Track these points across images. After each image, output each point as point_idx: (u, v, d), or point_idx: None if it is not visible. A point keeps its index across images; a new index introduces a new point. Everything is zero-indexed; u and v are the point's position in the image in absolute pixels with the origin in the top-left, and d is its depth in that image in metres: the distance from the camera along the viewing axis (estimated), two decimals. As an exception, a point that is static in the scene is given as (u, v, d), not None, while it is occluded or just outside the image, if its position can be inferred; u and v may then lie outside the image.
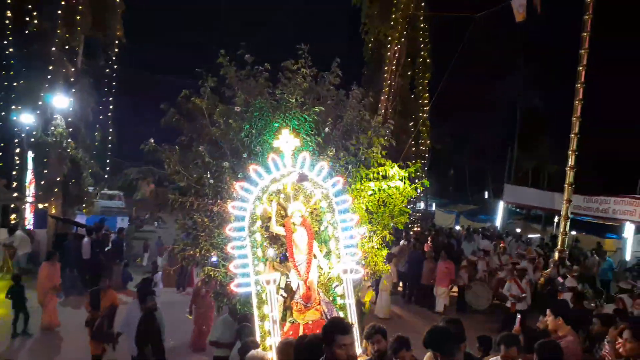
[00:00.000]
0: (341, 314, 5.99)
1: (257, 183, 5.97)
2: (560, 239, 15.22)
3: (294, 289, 6.14)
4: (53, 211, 17.32)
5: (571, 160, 15.13)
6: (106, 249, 15.68)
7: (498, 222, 28.07)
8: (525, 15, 15.87)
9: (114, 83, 21.70)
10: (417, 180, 7.99)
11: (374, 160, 7.51)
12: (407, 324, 12.85)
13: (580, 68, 15.09)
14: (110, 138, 22.06)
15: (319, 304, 5.98)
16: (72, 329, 10.56)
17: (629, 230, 20.73)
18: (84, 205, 18.76)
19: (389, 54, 21.44)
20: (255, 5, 48.98)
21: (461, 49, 17.49)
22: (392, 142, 7.80)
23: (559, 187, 16.89)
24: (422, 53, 23.01)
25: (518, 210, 29.39)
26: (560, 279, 12.07)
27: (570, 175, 15.13)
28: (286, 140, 6.31)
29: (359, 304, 7.38)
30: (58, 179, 17.14)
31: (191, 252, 7.31)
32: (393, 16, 21.21)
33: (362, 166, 7.44)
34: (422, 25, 21.99)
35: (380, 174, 7.50)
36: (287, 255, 6.20)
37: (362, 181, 7.38)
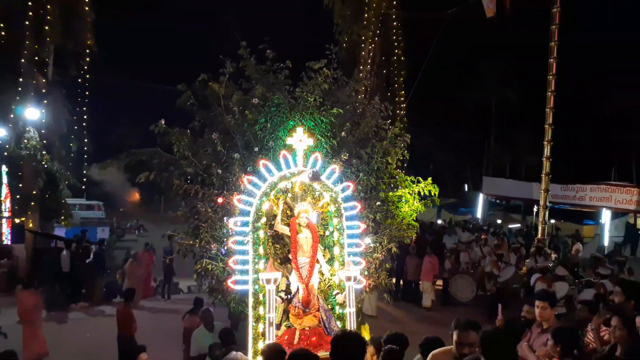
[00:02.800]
0: (339, 324, 5.87)
1: (266, 179, 5.86)
2: (540, 227, 15.48)
3: (292, 292, 5.98)
4: (30, 225, 16.97)
5: (547, 151, 15.39)
6: (87, 261, 15.44)
7: (479, 214, 28.42)
8: (495, 10, 16.12)
9: (87, 93, 21.32)
10: (428, 196, 7.77)
11: (386, 171, 7.41)
12: (395, 320, 12.93)
13: (551, 60, 15.36)
14: (86, 149, 21.70)
15: (318, 310, 5.84)
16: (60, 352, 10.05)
17: (605, 216, 21.19)
18: (62, 217, 18.41)
19: (363, 53, 21.55)
20: (222, 9, 48.78)
21: (435, 46, 17.70)
22: (406, 156, 7.70)
23: (536, 177, 17.16)
24: (397, 51, 23.19)
25: (498, 201, 29.80)
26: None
27: (546, 165, 15.39)
28: (300, 138, 6.20)
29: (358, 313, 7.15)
30: (34, 192, 16.82)
31: (190, 242, 7.14)
32: (366, 16, 21.31)
33: (374, 175, 7.28)
34: (395, 24, 22.14)
35: (392, 185, 7.47)
36: (290, 256, 6.02)
37: (372, 191, 7.27)
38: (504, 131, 38.09)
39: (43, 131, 17.57)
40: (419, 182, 7.69)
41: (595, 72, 26.85)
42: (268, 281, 5.48)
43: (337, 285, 6.03)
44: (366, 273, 6.77)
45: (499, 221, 27.30)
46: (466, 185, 42.44)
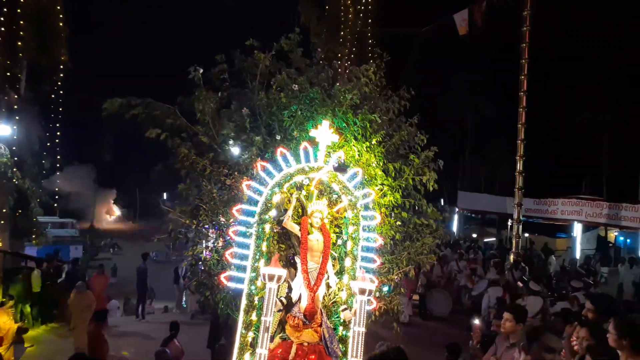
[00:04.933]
0: (341, 347, 5.15)
1: (282, 169, 5.33)
2: (514, 241, 15.72)
3: (294, 300, 5.24)
4: (0, 245, 16.54)
5: (519, 166, 15.71)
6: (59, 281, 15.08)
7: (454, 228, 28.72)
8: (467, 29, 16.52)
9: (60, 109, 21.03)
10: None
11: (415, 193, 6.86)
12: (372, 336, 12.88)
13: (522, 77, 15.76)
14: (58, 165, 21.36)
15: (320, 325, 5.12)
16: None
17: (577, 229, 21.65)
18: (34, 236, 17.99)
19: (339, 70, 21.83)
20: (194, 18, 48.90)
21: (409, 63, 18.02)
22: (435, 186, 7.00)
23: (510, 192, 17.47)
24: (373, 69, 23.52)
25: (473, 215, 30.17)
26: (519, 284, 12.43)
27: (519, 180, 15.69)
28: (325, 132, 5.64)
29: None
30: (4, 210, 16.41)
31: (186, 222, 6.44)
32: (342, 33, 21.64)
33: (400, 191, 6.70)
34: (370, 41, 22.51)
35: (417, 208, 6.91)
36: (296, 259, 5.37)
37: (394, 209, 6.69)
38: (479, 146, 38.70)
39: (14, 148, 17.23)
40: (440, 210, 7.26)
41: (566, 89, 27.56)
42: (271, 278, 4.73)
43: (343, 302, 5.34)
44: (377, 295, 6.10)
45: (474, 235, 27.64)
46: (442, 200, 42.92)
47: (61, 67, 19.57)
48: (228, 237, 5.54)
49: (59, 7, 18.77)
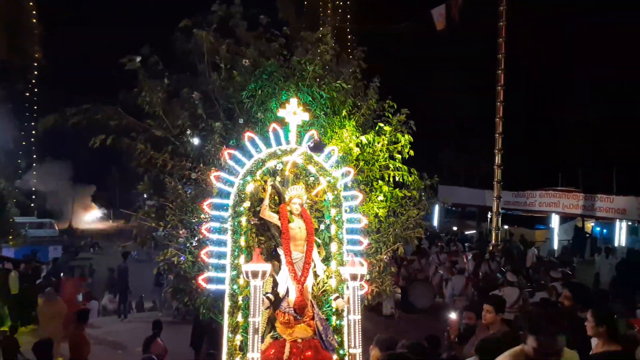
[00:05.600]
0: (337, 338, 4.89)
1: (252, 155, 4.93)
2: (493, 234, 15.97)
3: (281, 295, 4.89)
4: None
5: (497, 159, 15.94)
6: (37, 282, 14.82)
7: (435, 221, 29.02)
8: (445, 24, 16.66)
9: (35, 107, 20.67)
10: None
11: (391, 162, 6.53)
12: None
13: (499, 72, 15.96)
14: (35, 165, 21.00)
15: (312, 318, 4.81)
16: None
17: (555, 220, 22.06)
18: (10, 237, 17.67)
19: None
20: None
21: (389, 58, 18.12)
22: (410, 153, 6.65)
23: (489, 185, 17.72)
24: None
25: (454, 208, 30.49)
26: (499, 275, 12.65)
27: (498, 173, 15.92)
28: (294, 111, 5.23)
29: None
30: (-21, 211, 16.13)
31: (152, 224, 5.91)
32: (320, 29, 21.63)
33: (377, 165, 6.42)
34: (350, 37, 22.56)
35: (397, 178, 6.55)
36: (279, 250, 4.99)
37: (373, 183, 6.41)
38: (458, 140, 39.09)
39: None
40: (422, 177, 6.81)
41: (543, 83, 28.00)
42: (255, 275, 4.34)
43: (333, 290, 5.04)
44: (368, 277, 5.71)
45: (454, 228, 27.96)
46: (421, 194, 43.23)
47: (35, 64, 19.21)
48: (201, 236, 5.21)
49: (31, 4, 18.42)
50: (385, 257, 6.34)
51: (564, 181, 23.77)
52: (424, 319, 13.30)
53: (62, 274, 15.35)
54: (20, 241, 18.99)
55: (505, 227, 22.96)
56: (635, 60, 22.58)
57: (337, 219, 5.12)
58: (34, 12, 18.63)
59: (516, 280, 9.79)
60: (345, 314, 4.93)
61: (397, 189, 6.54)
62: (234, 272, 4.64)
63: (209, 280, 4.69)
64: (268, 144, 5.02)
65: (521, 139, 26.29)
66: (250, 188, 4.91)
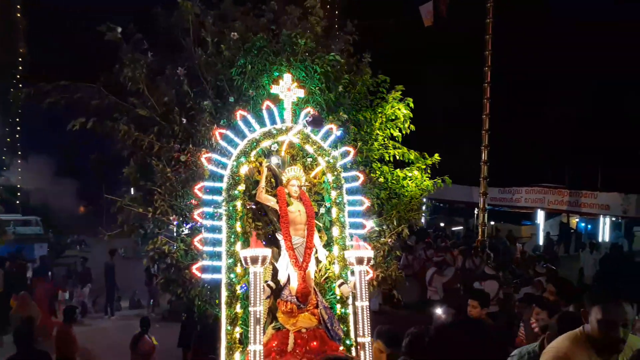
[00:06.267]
0: (343, 327, 4.67)
1: (245, 135, 4.69)
2: (480, 229, 16.11)
3: (282, 283, 4.63)
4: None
5: (484, 155, 16.06)
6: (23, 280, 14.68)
7: (422, 218, 29.19)
8: (432, 20, 16.72)
9: (20, 103, 20.40)
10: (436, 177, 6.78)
11: (390, 142, 6.35)
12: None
13: (486, 69, 16.06)
14: (19, 161, 20.76)
15: (316, 307, 4.55)
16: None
17: (540, 217, 22.32)
18: (-5, 235, 17.48)
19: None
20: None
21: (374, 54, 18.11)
22: (411, 128, 6.42)
23: (476, 181, 17.85)
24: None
25: (441, 205, 30.69)
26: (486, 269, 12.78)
27: (484, 169, 16.05)
28: (288, 87, 4.96)
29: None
30: (-37, 209, 15.92)
31: (140, 210, 5.54)
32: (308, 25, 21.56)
33: (375, 144, 6.20)
34: (337, 33, 22.49)
35: (397, 157, 6.38)
36: (277, 235, 4.74)
37: (372, 164, 6.22)
38: (448, 135, 39.28)
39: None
40: (423, 157, 6.59)
41: (530, 80, 28.26)
42: (254, 260, 4.10)
43: (336, 276, 4.83)
44: (372, 262, 5.40)
45: (442, 224, 28.15)
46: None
47: (20, 59, 18.94)
48: (193, 222, 4.97)
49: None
50: (389, 240, 6.17)
51: (550, 178, 24.05)
52: (411, 315, 13.40)
53: (40, 275, 15.15)
54: (4, 239, 18.77)
55: (492, 223, 23.20)
56: (621, 57, 22.90)
57: (338, 201, 4.90)
58: (18, 6, 18.34)
59: (494, 274, 9.91)
60: (350, 301, 4.74)
61: (397, 169, 6.35)
62: (231, 260, 4.42)
63: (204, 269, 4.46)
64: (262, 123, 4.79)
65: (508, 136, 26.52)
66: (244, 170, 4.67)
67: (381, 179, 6.19)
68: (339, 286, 4.73)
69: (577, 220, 24.13)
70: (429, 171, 6.68)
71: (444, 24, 17.43)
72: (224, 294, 4.38)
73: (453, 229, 26.95)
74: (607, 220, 21.34)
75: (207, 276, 4.45)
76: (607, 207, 18.87)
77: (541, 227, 22.49)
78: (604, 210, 19.24)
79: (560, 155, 26.35)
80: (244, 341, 4.38)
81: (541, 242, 21.59)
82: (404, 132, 6.39)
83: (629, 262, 15.92)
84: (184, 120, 5.57)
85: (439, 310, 6.54)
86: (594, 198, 19.17)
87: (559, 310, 5.11)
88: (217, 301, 4.73)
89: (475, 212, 23.58)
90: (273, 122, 4.83)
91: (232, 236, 4.43)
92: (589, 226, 23.99)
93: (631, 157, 22.00)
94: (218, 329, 4.52)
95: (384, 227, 6.15)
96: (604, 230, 21.57)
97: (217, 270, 4.42)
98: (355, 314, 4.56)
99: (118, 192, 6.09)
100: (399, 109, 6.28)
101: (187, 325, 9.30)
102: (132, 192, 5.99)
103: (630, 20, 22.04)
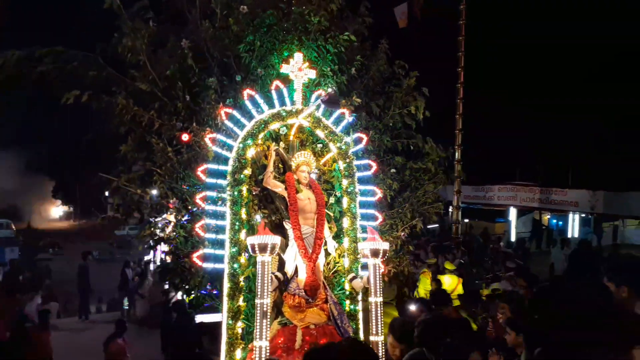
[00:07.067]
0: (352, 325, 4.36)
1: (253, 116, 4.38)
2: (454, 227, 16.40)
3: (289, 275, 4.32)
4: None
5: (457, 154, 16.35)
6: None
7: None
8: (407, 21, 16.92)
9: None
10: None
11: (403, 131, 6.06)
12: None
13: (459, 69, 16.35)
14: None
15: (326, 302, 4.27)
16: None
17: (512, 214, 22.82)
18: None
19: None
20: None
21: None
22: (426, 114, 6.05)
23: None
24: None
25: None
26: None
27: (457, 168, 16.34)
28: (299, 67, 4.63)
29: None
30: None
31: (138, 192, 5.17)
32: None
33: (388, 134, 5.91)
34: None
35: (413, 148, 6.11)
36: (285, 224, 4.40)
37: (385, 154, 5.95)
38: (423, 136, 39.72)
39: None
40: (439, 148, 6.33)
41: (501, 78, 28.86)
42: (263, 248, 3.74)
43: (346, 270, 4.51)
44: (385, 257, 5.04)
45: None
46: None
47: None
48: (195, 207, 4.65)
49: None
50: (402, 234, 5.88)
51: (521, 176, 24.59)
52: (390, 309, 13.56)
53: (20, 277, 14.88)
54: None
55: (466, 220, 23.62)
56: (591, 56, 23.60)
57: (349, 190, 4.59)
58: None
59: (454, 269, 10.15)
60: (360, 297, 4.45)
61: (410, 161, 6.08)
62: (235, 249, 4.10)
63: (205, 258, 4.14)
64: (270, 105, 4.48)
65: (480, 135, 27.04)
66: (251, 153, 4.36)
67: (393, 170, 5.91)
68: (350, 280, 4.43)
69: (549, 217, 24.73)
70: (445, 164, 6.46)
71: (417, 26, 17.65)
72: (226, 285, 4.07)
73: (428, 226, 27.29)
74: (577, 217, 21.94)
75: (208, 265, 4.13)
76: (576, 203, 19.41)
77: (513, 224, 22.99)
78: (573, 206, 19.79)
79: (532, 154, 26.98)
80: (245, 337, 4.13)
81: (513, 239, 22.08)
82: (419, 118, 6.06)
83: (597, 257, 16.40)
84: (187, 97, 5.21)
85: (412, 306, 6.67)
86: (564, 195, 19.70)
87: (522, 303, 5.29)
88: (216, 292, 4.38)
89: (450, 210, 24.02)
90: (282, 103, 4.53)
91: (237, 223, 4.11)
92: (560, 222, 24.62)
93: (599, 154, 22.72)
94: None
95: (397, 220, 5.85)
96: (574, 227, 22.17)
97: (219, 259, 4.11)
98: (365, 310, 4.26)
99: (113, 172, 5.58)
100: (412, 97, 5.99)
101: (166, 326, 9.28)
102: (132, 169, 5.53)
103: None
